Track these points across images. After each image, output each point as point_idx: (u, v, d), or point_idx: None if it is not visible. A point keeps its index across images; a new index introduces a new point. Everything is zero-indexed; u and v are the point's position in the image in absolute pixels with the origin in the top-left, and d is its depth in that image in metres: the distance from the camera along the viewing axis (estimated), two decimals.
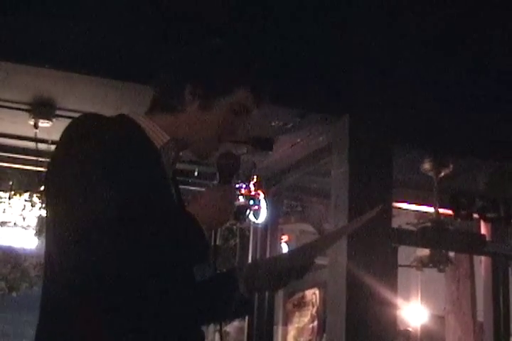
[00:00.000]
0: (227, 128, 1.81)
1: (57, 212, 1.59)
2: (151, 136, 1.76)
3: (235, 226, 7.21)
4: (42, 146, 4.93)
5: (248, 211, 5.35)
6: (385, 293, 4.32)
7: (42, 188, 5.74)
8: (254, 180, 5.37)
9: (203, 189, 1.79)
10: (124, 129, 1.69)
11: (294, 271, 1.84)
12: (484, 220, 5.67)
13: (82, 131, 1.65)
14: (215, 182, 1.77)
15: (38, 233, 6.37)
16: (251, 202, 5.37)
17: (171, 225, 1.60)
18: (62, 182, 1.59)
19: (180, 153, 1.87)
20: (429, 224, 5.35)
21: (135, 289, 1.59)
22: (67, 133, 1.67)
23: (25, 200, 6.28)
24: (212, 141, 1.81)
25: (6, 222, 6.15)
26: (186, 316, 1.70)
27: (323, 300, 5.35)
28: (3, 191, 6.36)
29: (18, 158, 5.27)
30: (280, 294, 6.02)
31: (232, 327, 10.62)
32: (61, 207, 1.58)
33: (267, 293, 5.68)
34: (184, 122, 1.80)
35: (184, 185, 5.35)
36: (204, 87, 1.78)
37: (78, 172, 1.57)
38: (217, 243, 1.71)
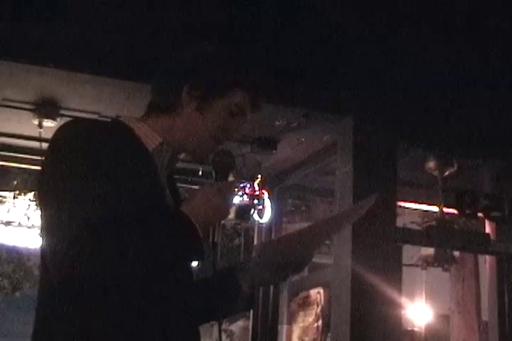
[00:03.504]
0: (223, 129, 1.81)
1: (49, 215, 1.61)
2: (143, 139, 1.76)
3: (239, 226, 7.21)
4: (46, 146, 4.93)
5: (252, 210, 5.35)
6: (390, 292, 4.32)
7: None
8: (259, 179, 5.37)
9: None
10: (113, 134, 1.70)
11: (293, 264, 1.85)
12: (489, 219, 5.65)
13: (71, 136, 1.67)
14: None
15: None
16: (255, 201, 5.36)
17: (162, 225, 1.61)
18: (52, 186, 1.61)
19: (181, 156, 1.88)
20: (433, 223, 5.34)
21: (129, 289, 1.60)
22: (56, 138, 1.70)
23: (30, 200, 6.28)
24: (208, 142, 1.81)
25: (10, 222, 6.15)
26: (182, 314, 1.70)
27: (328, 300, 5.34)
28: (7, 191, 6.37)
29: (23, 158, 5.28)
30: (284, 293, 6.02)
31: (236, 326, 10.65)
32: (52, 211, 1.59)
33: (271, 293, 5.69)
34: (181, 124, 1.80)
35: (188, 184, 5.37)
36: (201, 89, 1.79)
37: (67, 176, 1.59)
38: (216, 240, 1.71)
